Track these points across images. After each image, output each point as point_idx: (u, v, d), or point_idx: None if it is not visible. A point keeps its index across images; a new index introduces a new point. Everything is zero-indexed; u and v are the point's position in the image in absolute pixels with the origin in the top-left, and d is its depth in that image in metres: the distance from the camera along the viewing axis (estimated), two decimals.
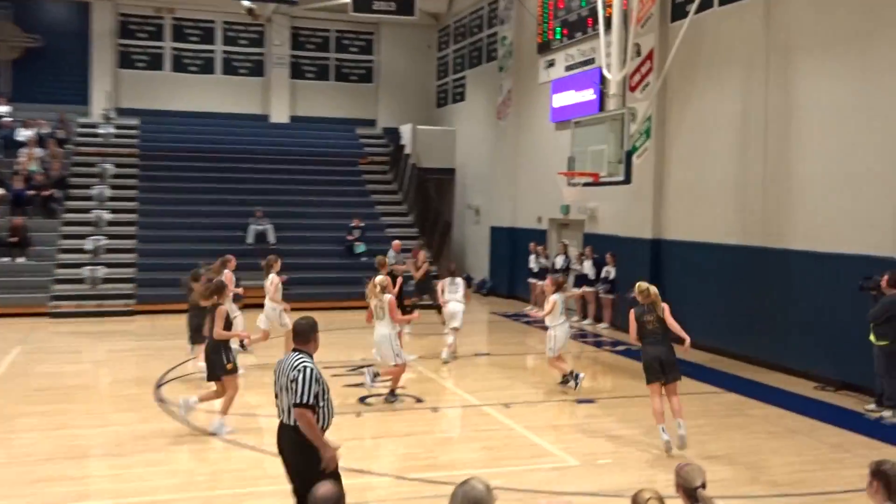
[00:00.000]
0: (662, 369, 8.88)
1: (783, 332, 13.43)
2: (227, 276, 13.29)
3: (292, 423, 5.55)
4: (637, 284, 9.10)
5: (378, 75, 29.30)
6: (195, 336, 10.56)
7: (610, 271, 17.38)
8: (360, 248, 22.14)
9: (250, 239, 21.68)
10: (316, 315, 13.73)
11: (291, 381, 5.50)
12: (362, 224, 22.43)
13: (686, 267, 15.81)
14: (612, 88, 15.12)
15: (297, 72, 28.68)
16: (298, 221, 23.15)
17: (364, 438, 9.40)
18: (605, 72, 15.69)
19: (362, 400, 11.02)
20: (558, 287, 11.26)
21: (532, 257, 19.99)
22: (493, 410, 10.65)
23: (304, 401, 5.43)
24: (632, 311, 9.06)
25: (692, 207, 15.77)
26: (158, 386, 11.83)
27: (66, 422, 10.02)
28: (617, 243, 17.60)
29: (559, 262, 19.00)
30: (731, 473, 8.41)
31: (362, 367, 13.39)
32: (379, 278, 11.21)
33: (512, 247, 22.48)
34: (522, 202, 22.49)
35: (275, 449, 7.83)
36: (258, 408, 10.63)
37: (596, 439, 9.53)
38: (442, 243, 23.65)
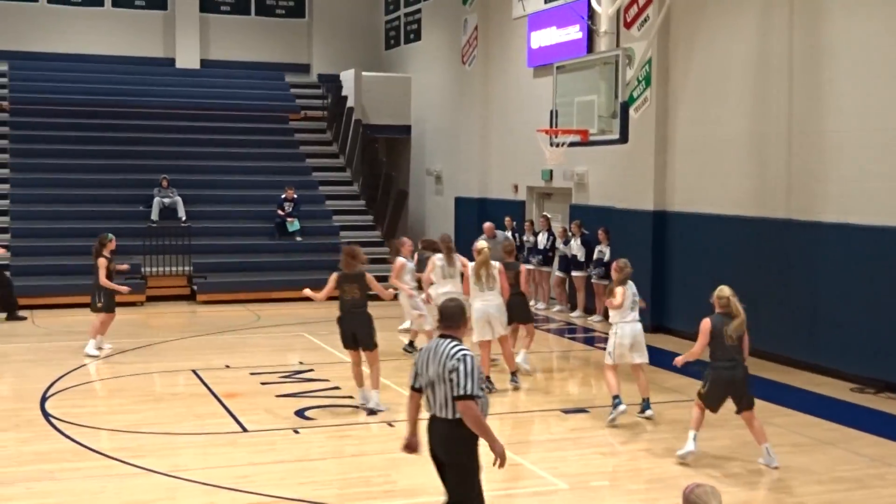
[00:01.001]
0: (734, 396, 9.29)
1: (813, 322, 13.76)
2: (399, 263, 14.11)
3: (448, 416, 6.04)
4: (720, 289, 9.28)
5: (311, 8, 29.19)
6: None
7: (603, 251, 17.61)
8: (294, 225, 22.14)
9: (155, 215, 21.58)
10: (241, 309, 13.78)
11: (451, 372, 5.98)
12: (296, 196, 22.42)
13: (695, 245, 16.07)
14: (603, 24, 15.22)
15: (208, 3, 28.47)
16: (215, 193, 23.11)
17: (305, 459, 9.50)
18: (593, 3, 15.80)
19: (299, 414, 11.12)
20: (623, 275, 11.12)
21: (507, 235, 20.15)
22: None
23: (469, 392, 5.96)
24: (707, 321, 9.22)
25: (702, 172, 16.02)
26: (44, 398, 11.79)
27: None
28: (611, 216, 17.82)
29: (541, 240, 19.19)
30: (751, 495, 8.65)
31: (299, 372, 13.47)
32: (481, 244, 12.28)
33: (482, 222, 22.56)
34: (494, 167, 22.64)
35: (191, 475, 7.85)
36: (158, 424, 10.67)
37: (588, 457, 9.72)
38: (395, 218, 23.72)
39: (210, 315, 18.69)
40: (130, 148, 23.95)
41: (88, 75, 26.50)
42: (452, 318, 6.24)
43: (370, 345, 11.11)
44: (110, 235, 14.86)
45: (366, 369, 11.33)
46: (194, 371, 13.43)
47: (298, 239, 22.04)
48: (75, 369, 13.47)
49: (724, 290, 9.26)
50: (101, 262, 14.44)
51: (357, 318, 11.02)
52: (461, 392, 5.92)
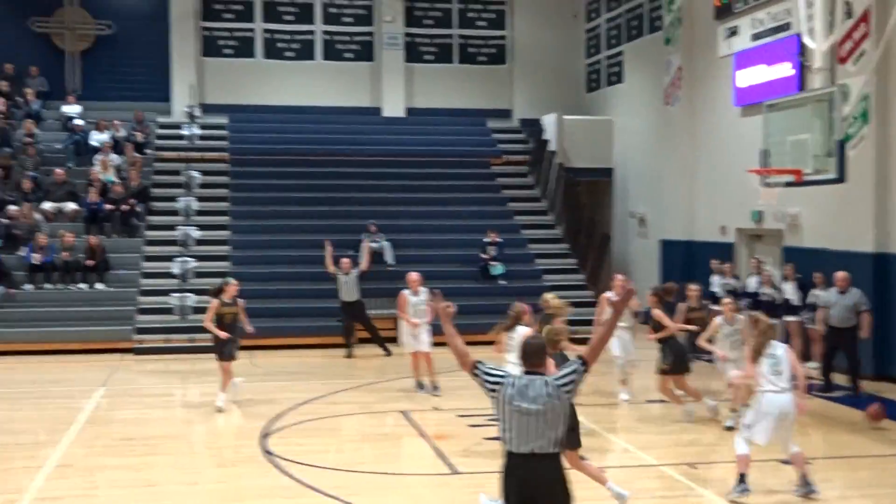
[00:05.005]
0: None
1: None
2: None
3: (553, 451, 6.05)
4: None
5: (512, 55, 29.56)
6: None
7: (818, 296, 16.92)
8: (498, 269, 22.37)
9: (363, 259, 22.21)
10: (446, 352, 14.05)
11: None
12: (499, 239, 22.68)
13: None
14: (817, 61, 14.86)
15: (413, 54, 29.28)
16: (421, 237, 23.62)
17: None
18: (805, 39, 15.40)
19: None
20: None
21: (716, 279, 19.68)
22: (674, 472, 10.59)
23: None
24: None
25: None
26: (265, 436, 12.32)
27: (154, 478, 10.62)
28: (827, 259, 17.15)
29: (752, 283, 18.65)
30: None
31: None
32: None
33: (688, 265, 22.19)
34: (701, 209, 22.22)
35: None
36: (371, 463, 10.93)
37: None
38: (599, 262, 23.58)
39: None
40: (341, 195, 24.81)
41: (301, 125, 27.63)
42: (537, 355, 6.33)
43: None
44: (231, 280, 14.87)
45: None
46: (403, 412, 13.70)
47: (502, 283, 22.20)
48: (292, 408, 14.01)
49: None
50: (213, 303, 14.39)
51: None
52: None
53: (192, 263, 21.70)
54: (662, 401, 13.72)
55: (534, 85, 29.23)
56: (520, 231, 24.51)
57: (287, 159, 25.95)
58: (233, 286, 14.50)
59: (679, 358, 13.07)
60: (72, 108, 26.08)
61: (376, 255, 22.26)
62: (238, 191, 24.80)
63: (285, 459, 11.05)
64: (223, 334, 14.17)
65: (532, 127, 27.81)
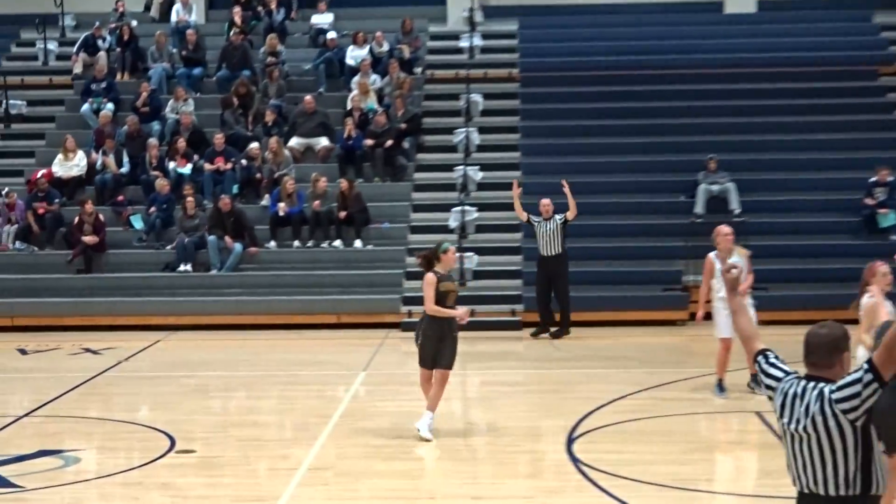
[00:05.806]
0: None
1: None
2: None
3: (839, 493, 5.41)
4: None
5: None
6: None
7: None
8: (890, 219, 21.48)
9: (700, 206, 21.86)
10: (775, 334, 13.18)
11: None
12: (892, 178, 21.69)
13: None
14: None
15: None
16: (777, 176, 23.05)
17: None
18: None
19: None
20: None
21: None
22: None
23: None
24: None
25: None
26: (570, 440, 12.26)
27: (430, 487, 10.87)
28: None
29: None
30: None
31: None
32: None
33: None
34: None
35: None
36: (715, 481, 10.62)
37: None
38: None
39: (774, 339, 18.39)
40: (666, 121, 24.50)
41: (613, 30, 27.49)
42: (820, 350, 5.63)
43: None
44: (447, 245, 12.95)
45: None
46: (757, 413, 13.30)
47: (894, 238, 21.17)
48: (607, 404, 13.90)
49: None
50: (429, 278, 12.54)
51: None
52: None
53: (474, 214, 22.02)
54: None
55: None
56: None
57: (595, 76, 25.89)
58: (451, 253, 12.89)
59: None
60: (323, 18, 27.05)
61: (717, 201, 21.83)
62: (531, 118, 24.93)
63: (598, 470, 10.96)
64: (450, 312, 12.42)
65: None
